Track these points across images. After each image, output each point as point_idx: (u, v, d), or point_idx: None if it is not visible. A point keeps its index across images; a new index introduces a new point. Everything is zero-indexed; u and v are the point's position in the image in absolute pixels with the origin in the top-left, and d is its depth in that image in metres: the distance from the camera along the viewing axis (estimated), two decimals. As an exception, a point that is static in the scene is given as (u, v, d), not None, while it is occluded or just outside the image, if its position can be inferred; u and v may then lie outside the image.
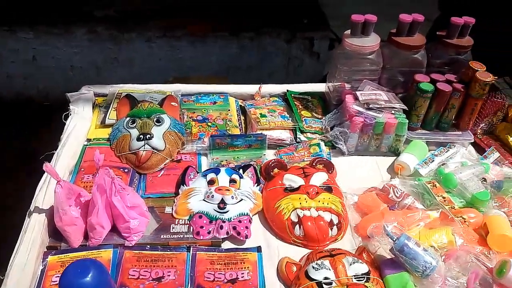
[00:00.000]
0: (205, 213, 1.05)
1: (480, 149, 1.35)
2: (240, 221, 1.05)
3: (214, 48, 3.09)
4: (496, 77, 1.44)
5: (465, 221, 1.04)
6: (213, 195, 1.07)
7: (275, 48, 3.18)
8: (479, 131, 1.38)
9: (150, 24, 2.90)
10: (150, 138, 1.19)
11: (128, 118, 1.26)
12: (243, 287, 0.93)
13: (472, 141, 1.34)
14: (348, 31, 1.32)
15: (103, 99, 1.42)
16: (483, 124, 1.37)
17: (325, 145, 1.32)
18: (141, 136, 1.20)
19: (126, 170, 1.17)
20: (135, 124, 1.23)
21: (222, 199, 1.06)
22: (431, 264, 0.90)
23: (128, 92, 1.39)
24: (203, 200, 1.08)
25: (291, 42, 3.19)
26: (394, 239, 0.94)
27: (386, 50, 1.34)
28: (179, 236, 1.02)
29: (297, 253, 1.02)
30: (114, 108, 1.35)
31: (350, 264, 0.93)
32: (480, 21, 1.36)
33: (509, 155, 1.30)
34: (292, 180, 1.14)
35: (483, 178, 1.17)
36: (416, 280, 0.92)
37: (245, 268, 0.97)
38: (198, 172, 1.18)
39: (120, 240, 1.00)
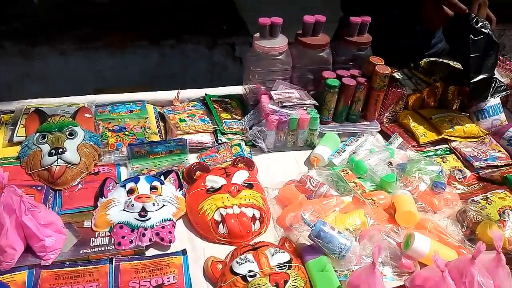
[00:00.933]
0: (126, 222, 1.03)
1: (387, 136, 1.46)
2: (163, 227, 1.04)
3: (135, 58, 3.04)
4: (396, 69, 1.58)
5: (375, 203, 1.12)
6: (133, 204, 1.06)
7: (198, 55, 3.20)
8: (385, 120, 1.49)
9: (62, 36, 2.77)
10: (62, 152, 1.15)
11: (37, 134, 1.20)
12: (169, 290, 0.93)
13: (379, 129, 1.45)
14: (258, 34, 1.37)
15: (9, 116, 1.34)
16: (388, 113, 1.48)
17: (246, 145, 1.35)
18: (53, 151, 1.15)
19: (39, 188, 1.12)
20: (45, 139, 1.18)
21: (143, 207, 1.05)
22: (345, 245, 0.97)
23: (37, 107, 1.33)
24: (123, 210, 1.06)
25: (213, 48, 3.22)
26: (311, 226, 0.99)
27: (295, 50, 1.40)
28: (100, 249, 0.99)
29: (223, 251, 1.04)
30: (22, 124, 1.27)
31: (272, 255, 0.97)
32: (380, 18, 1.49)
33: (411, 140, 1.43)
34: (214, 181, 1.15)
35: (389, 162, 1.28)
36: (334, 262, 0.98)
37: (170, 272, 0.96)
38: (117, 183, 1.16)
39: (36, 260, 0.95)
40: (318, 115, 1.35)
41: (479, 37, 1.32)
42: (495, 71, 1.55)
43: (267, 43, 1.35)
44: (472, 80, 1.40)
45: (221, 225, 1.06)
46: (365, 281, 0.82)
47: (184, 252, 1.02)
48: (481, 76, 1.37)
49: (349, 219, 1.07)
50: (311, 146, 1.38)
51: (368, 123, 1.45)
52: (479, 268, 0.80)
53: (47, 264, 0.95)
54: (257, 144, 1.35)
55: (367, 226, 1.06)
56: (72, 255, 0.97)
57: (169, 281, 0.94)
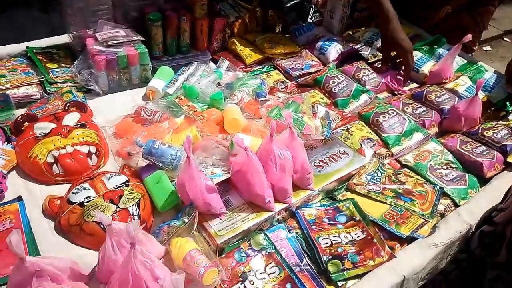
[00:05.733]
0: None
1: (219, 64, 1.56)
2: (-9, 180, 1.01)
3: None
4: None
5: (204, 118, 1.22)
6: (-49, 163, 1.00)
7: (31, 21, 2.92)
8: (215, 49, 1.59)
9: None
10: None
11: None
12: (7, 234, 0.92)
13: (210, 58, 1.54)
14: (69, -24, 1.32)
15: None
16: (217, 42, 1.58)
17: (79, 91, 1.34)
18: None
19: None
20: None
21: (-37, 164, 1.00)
22: (176, 154, 1.05)
23: None
24: None
25: (48, 11, 2.97)
26: (143, 146, 1.06)
27: (113, -11, 1.39)
28: None
29: (63, 190, 1.05)
30: None
31: (109, 179, 1.01)
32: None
33: (240, 62, 1.55)
34: (43, 127, 1.13)
35: (218, 83, 1.38)
36: (170, 173, 1.06)
37: (6, 219, 0.95)
38: None
39: None
40: (146, 50, 1.38)
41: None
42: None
43: (80, -16, 1.31)
44: (286, 5, 1.56)
45: (55, 165, 1.06)
46: (186, 175, 0.92)
47: (19, 198, 1.01)
48: (294, 2, 1.53)
49: (182, 136, 1.16)
50: (146, 81, 1.42)
51: (199, 53, 1.53)
52: (278, 144, 0.95)
53: None
54: (90, 87, 1.34)
55: (199, 138, 1.16)
56: None
57: (4, 226, 0.94)
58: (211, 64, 1.55)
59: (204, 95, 1.32)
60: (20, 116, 1.17)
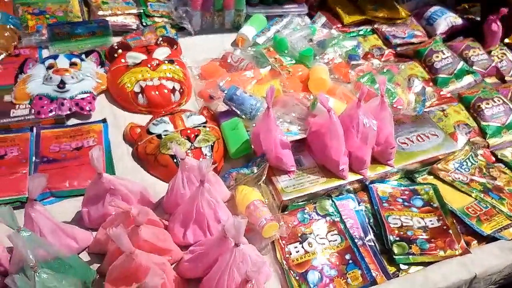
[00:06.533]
0: (45, 94, 1.06)
1: (315, 20, 1.48)
2: (82, 98, 1.08)
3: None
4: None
5: (289, 73, 1.18)
6: (51, 77, 1.07)
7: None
8: (314, 3, 1.51)
9: None
10: (-26, 30, 1.12)
11: None
12: (88, 150, 0.98)
13: (306, 12, 1.47)
14: None
15: None
16: (316, -3, 1.50)
17: (172, 28, 1.36)
18: (-36, 28, 1.12)
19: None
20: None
21: (61, 79, 1.07)
22: (256, 105, 1.03)
23: None
24: (43, 83, 1.08)
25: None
26: (225, 91, 1.05)
27: None
28: (20, 119, 1.02)
29: (144, 120, 1.09)
30: None
31: (188, 117, 1.03)
32: None
33: (337, 22, 1.46)
34: (134, 57, 1.17)
35: (310, 39, 1.32)
36: (246, 122, 1.05)
37: (90, 137, 1.01)
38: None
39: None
40: (243, -6, 1.35)
41: None
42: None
43: None
44: None
45: (140, 95, 1.10)
46: (263, 125, 0.90)
47: (104, 120, 1.07)
48: None
49: (264, 88, 1.12)
50: (238, 28, 1.40)
51: (297, 5, 1.47)
52: (364, 110, 0.89)
53: None
54: (183, 25, 1.35)
55: (281, 93, 1.12)
56: (-9, 124, 1.00)
57: (88, 143, 1.00)
58: (306, 19, 1.48)
59: (294, 50, 1.27)
60: (115, 44, 1.21)
